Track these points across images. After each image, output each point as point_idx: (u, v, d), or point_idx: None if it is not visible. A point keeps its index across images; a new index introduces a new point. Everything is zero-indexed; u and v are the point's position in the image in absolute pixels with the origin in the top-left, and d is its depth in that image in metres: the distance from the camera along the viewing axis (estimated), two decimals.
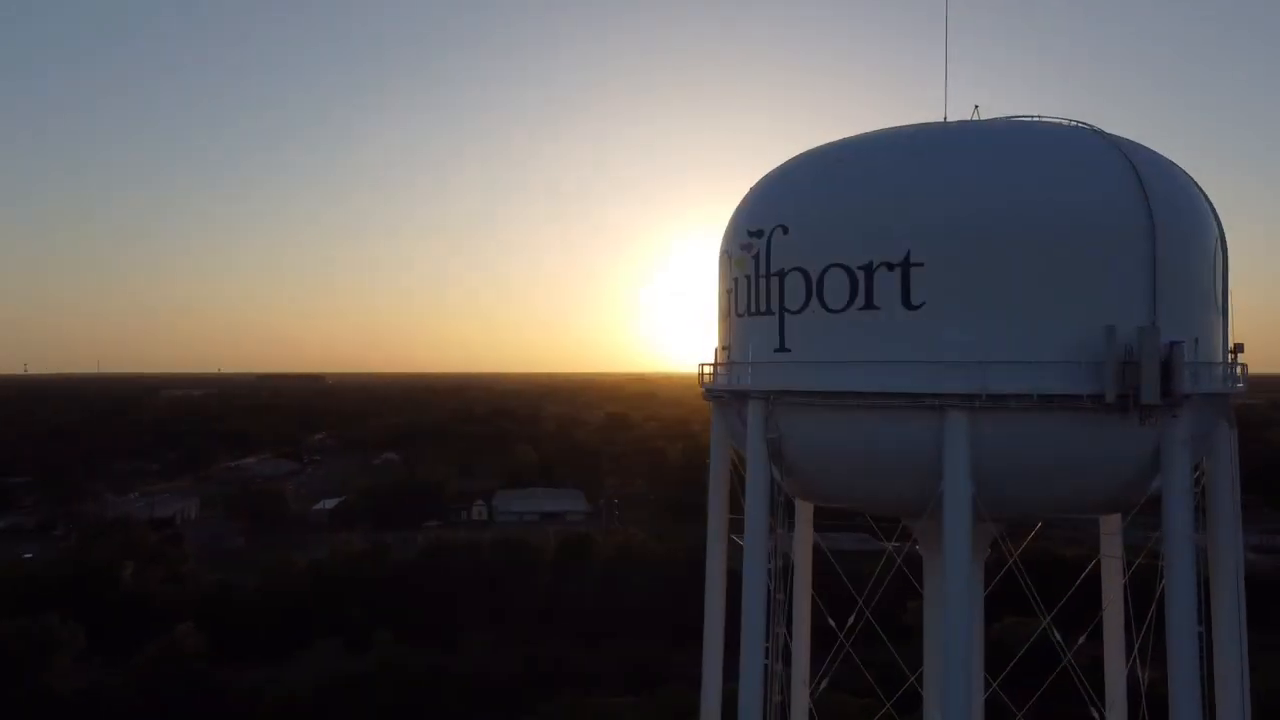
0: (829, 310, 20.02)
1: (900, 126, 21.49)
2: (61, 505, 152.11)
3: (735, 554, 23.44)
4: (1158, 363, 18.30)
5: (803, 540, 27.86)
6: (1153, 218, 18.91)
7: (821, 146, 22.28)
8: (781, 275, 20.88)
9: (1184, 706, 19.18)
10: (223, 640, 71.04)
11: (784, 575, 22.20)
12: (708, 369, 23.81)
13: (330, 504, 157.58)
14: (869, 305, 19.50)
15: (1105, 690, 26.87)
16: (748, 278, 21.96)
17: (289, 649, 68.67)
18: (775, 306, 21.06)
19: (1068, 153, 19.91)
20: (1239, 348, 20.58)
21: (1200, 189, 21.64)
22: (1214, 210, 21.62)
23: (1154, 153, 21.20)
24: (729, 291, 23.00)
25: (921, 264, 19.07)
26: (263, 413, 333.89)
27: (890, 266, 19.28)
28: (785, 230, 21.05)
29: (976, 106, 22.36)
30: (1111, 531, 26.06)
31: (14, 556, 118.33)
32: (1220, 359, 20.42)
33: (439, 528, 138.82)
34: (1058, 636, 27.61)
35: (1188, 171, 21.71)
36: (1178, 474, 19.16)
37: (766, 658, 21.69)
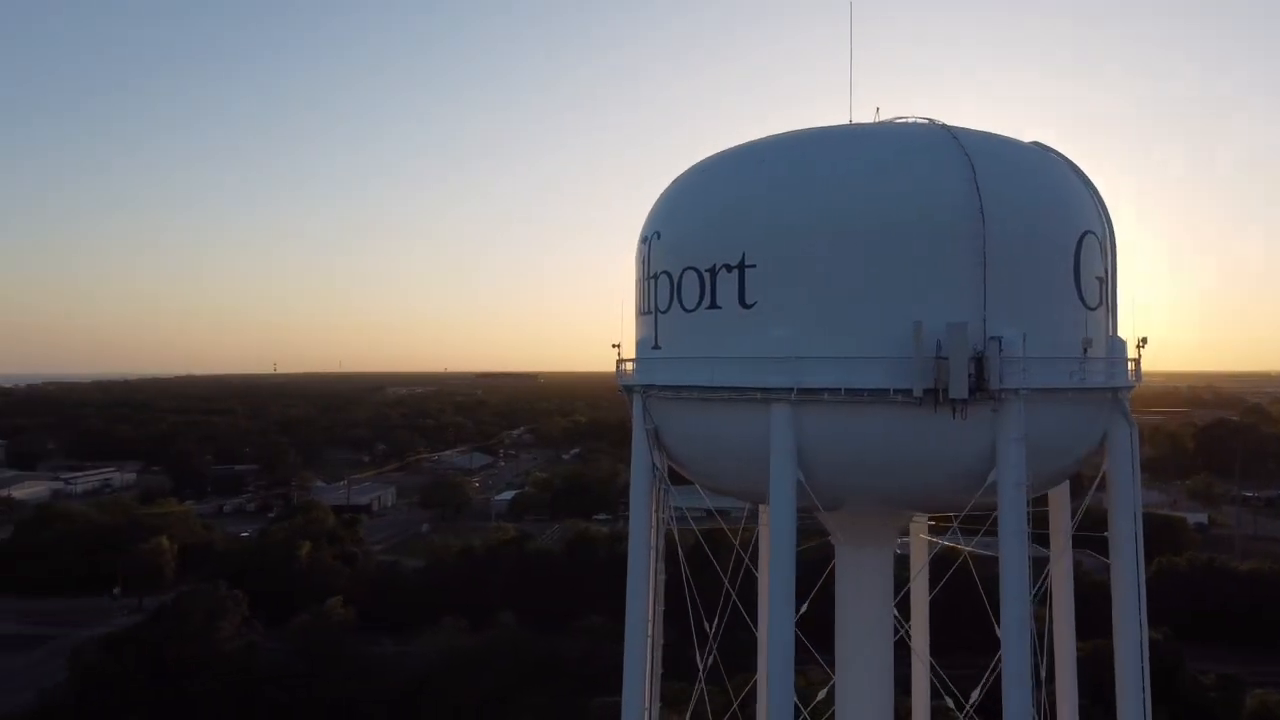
0: (685, 310, 21.49)
1: (772, 135, 22.50)
2: (278, 490, 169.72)
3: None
4: (966, 357, 18.59)
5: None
6: (983, 211, 19.16)
7: (707, 157, 23.62)
8: (656, 278, 22.52)
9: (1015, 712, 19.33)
10: (368, 613, 78.38)
11: (665, 556, 23.80)
12: (627, 365, 25.59)
13: (509, 496, 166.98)
14: (713, 305, 20.82)
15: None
16: (640, 280, 23.72)
17: (423, 625, 74.74)
18: (652, 307, 22.74)
19: (902, 151, 20.40)
20: (1079, 344, 20.30)
21: (1083, 180, 21.51)
22: (1098, 202, 21.42)
23: (1016, 144, 21.33)
24: (635, 293, 24.80)
25: (755, 265, 20.21)
26: (473, 409, 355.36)
27: (729, 268, 20.52)
28: (659, 236, 22.70)
29: (879, 109, 23.13)
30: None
31: (233, 535, 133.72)
32: (1075, 354, 20.17)
33: (604, 521, 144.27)
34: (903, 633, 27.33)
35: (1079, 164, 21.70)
36: (1009, 470, 19.23)
37: (650, 632, 23.44)
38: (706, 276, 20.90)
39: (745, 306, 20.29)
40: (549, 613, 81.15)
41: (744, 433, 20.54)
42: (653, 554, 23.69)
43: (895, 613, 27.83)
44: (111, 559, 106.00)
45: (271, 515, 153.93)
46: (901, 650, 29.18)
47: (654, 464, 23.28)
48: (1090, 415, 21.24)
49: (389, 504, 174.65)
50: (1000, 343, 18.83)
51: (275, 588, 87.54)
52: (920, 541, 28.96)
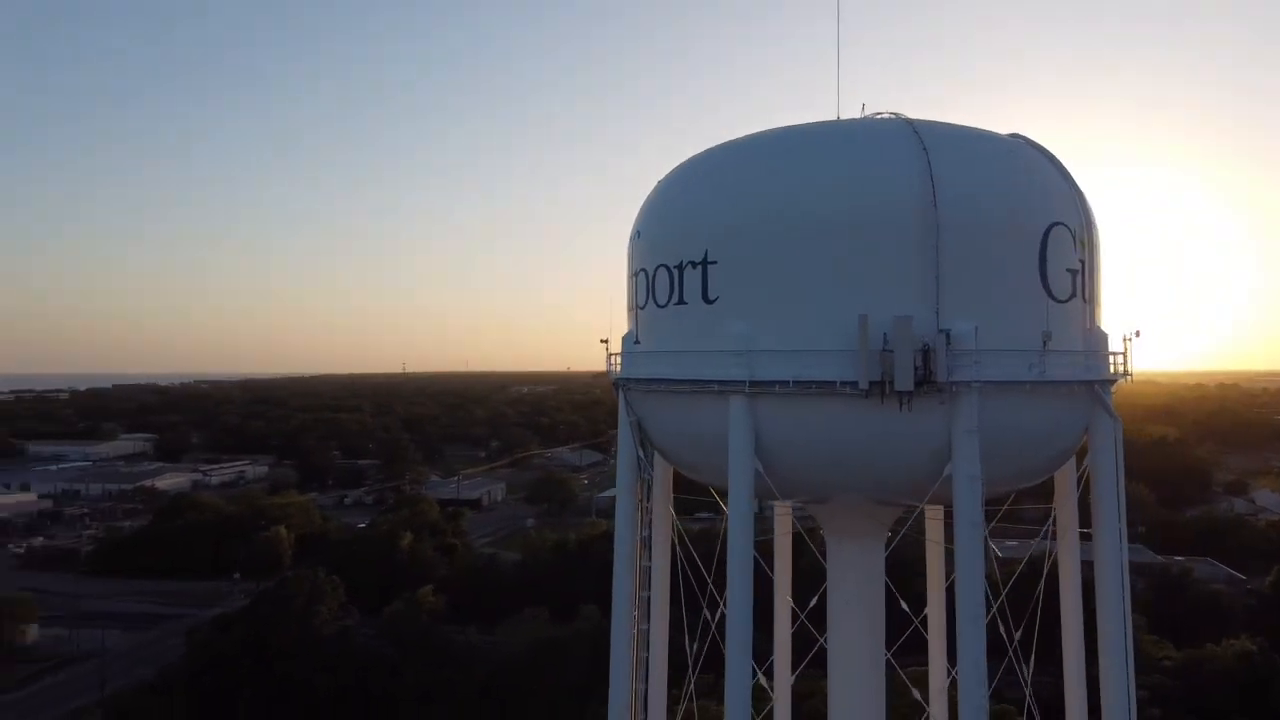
0: (659, 306, 22.27)
1: (745, 136, 22.94)
2: (392, 484, 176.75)
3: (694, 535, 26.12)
4: (911, 350, 18.75)
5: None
6: (936, 204, 19.25)
7: (688, 158, 24.23)
8: (637, 275, 23.37)
9: (969, 704, 19.33)
10: (461, 603, 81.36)
11: (649, 545, 24.64)
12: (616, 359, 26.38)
13: (611, 493, 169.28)
14: (681, 301, 21.55)
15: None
16: (627, 278, 24.58)
17: (511, 615, 77.10)
18: (634, 303, 23.62)
19: (859, 147, 20.66)
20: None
21: (1059, 171, 21.28)
22: (1075, 193, 21.15)
23: (988, 137, 21.32)
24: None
25: (716, 262, 20.83)
26: (589, 408, 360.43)
27: (694, 265, 21.19)
28: (639, 235, 23.54)
29: (864, 104, 23.42)
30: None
31: (349, 526, 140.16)
32: (1036, 347, 19.91)
33: (706, 519, 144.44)
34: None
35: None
36: (963, 462, 19.29)
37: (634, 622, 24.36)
38: (675, 273, 21.61)
39: (708, 302, 20.91)
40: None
41: (709, 424, 21.10)
42: (638, 545, 24.52)
43: (905, 607, 27.96)
44: (235, 546, 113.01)
45: (382, 507, 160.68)
46: (919, 643, 29.17)
47: (639, 456, 24.12)
48: (1065, 408, 20.97)
49: (498, 499, 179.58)
50: (949, 335, 18.92)
51: (377, 576, 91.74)
52: (936, 532, 28.90)
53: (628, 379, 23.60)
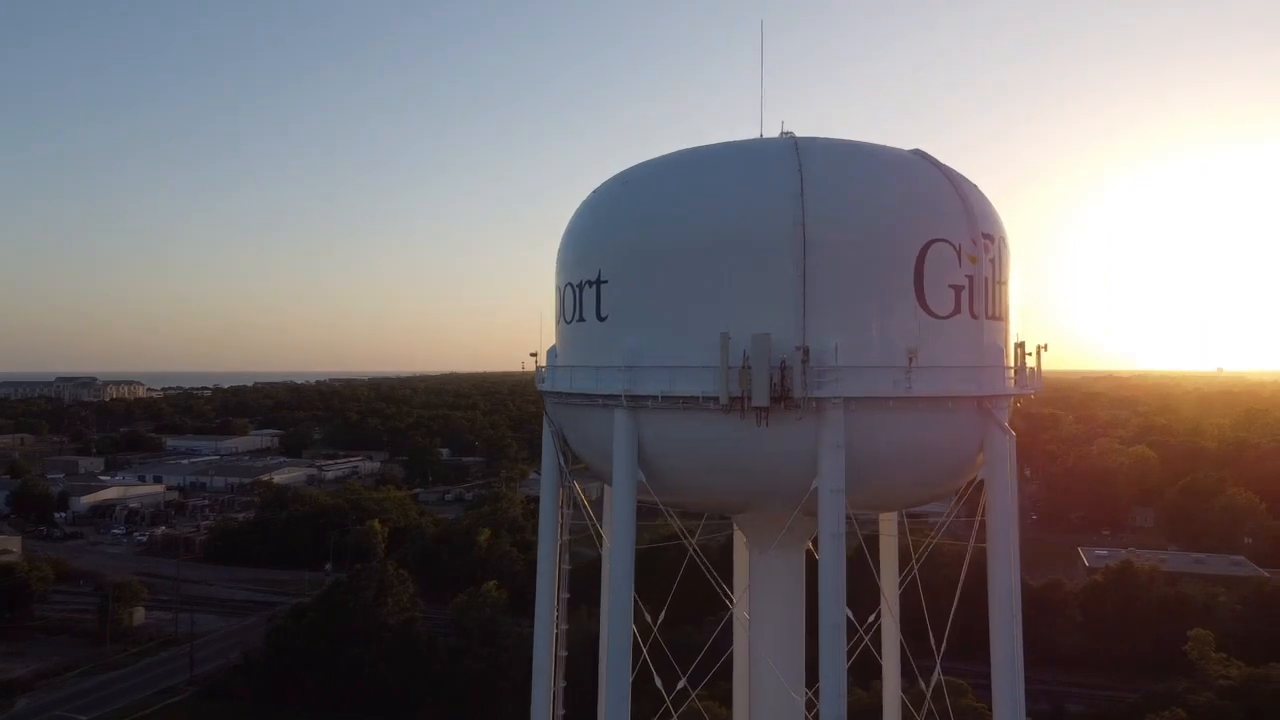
0: (566, 322, 23.40)
1: (646, 160, 23.66)
2: (486, 481, 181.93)
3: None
4: (767, 366, 19.25)
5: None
6: (804, 224, 19.70)
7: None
8: (556, 292, 24.53)
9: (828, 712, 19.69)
10: (521, 596, 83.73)
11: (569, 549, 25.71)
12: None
13: None
14: (581, 318, 22.60)
15: None
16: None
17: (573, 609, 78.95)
18: (555, 318, 24.77)
19: (739, 169, 21.16)
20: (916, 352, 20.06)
21: (956, 187, 21.29)
22: (970, 210, 21.19)
23: (879, 155, 21.52)
24: None
25: (607, 281, 21.79)
26: None
27: (591, 284, 22.22)
28: (560, 255, 24.66)
29: (783, 122, 23.97)
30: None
31: (443, 520, 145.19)
32: (902, 363, 19.96)
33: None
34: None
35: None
36: (827, 476, 19.65)
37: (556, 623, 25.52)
38: (578, 291, 22.66)
39: (600, 319, 21.90)
40: (698, 606, 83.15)
41: (602, 435, 22.10)
42: (559, 549, 25.65)
43: (849, 613, 28.13)
44: (332, 537, 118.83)
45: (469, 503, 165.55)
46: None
47: (560, 465, 25.25)
48: (952, 423, 21.00)
49: (594, 498, 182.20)
50: (807, 352, 19.33)
51: (455, 569, 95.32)
52: (889, 538, 29.20)
53: (546, 391, 24.74)
